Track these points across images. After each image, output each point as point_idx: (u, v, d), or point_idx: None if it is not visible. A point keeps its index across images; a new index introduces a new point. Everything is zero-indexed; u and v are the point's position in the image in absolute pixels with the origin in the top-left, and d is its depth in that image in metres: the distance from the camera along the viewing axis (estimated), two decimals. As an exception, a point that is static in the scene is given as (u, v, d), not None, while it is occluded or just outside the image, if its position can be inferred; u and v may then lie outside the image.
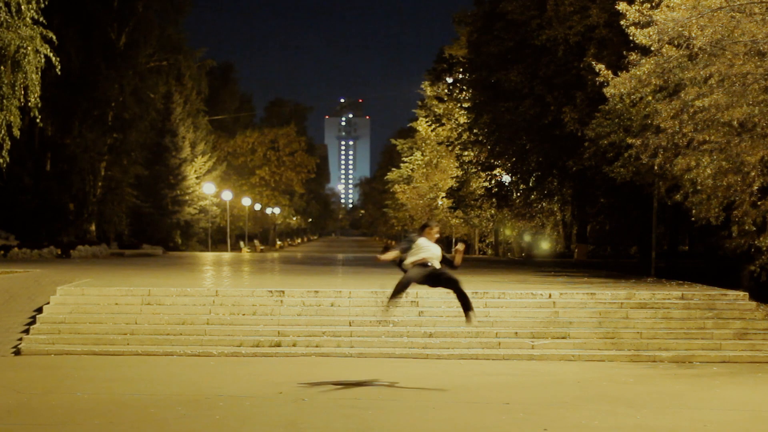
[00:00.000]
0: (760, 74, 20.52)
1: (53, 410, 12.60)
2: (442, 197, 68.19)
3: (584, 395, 14.49)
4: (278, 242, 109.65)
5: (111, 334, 18.60)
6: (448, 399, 13.93)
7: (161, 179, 73.40)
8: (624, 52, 23.26)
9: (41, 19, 24.56)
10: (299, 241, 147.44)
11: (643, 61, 22.50)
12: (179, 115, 74.97)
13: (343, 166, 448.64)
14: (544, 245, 66.46)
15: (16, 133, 23.83)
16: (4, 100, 22.93)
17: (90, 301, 20.05)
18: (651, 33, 21.59)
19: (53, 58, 24.19)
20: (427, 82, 72.00)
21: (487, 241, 76.64)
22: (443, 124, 64.23)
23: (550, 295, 20.90)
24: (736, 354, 18.58)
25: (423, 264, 14.66)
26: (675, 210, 31.85)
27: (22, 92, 23.44)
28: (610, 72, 23.46)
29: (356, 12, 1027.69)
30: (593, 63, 24.92)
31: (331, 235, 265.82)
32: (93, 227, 62.06)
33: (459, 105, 55.40)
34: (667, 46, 21.98)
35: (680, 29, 20.48)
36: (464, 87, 51.58)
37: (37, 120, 24.62)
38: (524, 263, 45.40)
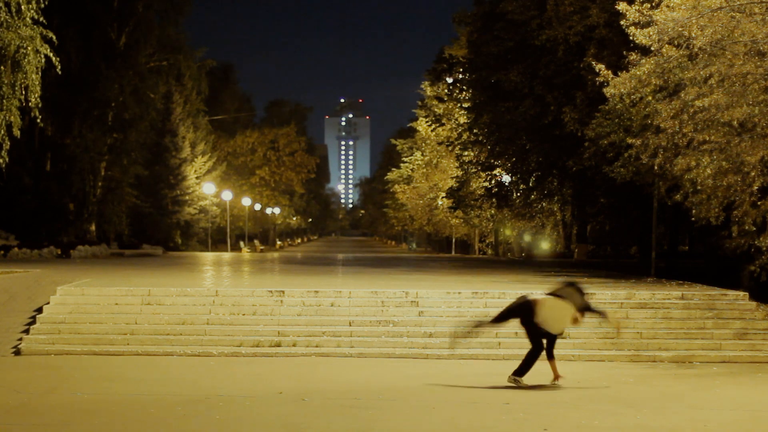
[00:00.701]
0: (760, 74, 20.52)
1: (53, 410, 12.62)
2: (442, 197, 68.16)
3: (584, 395, 14.52)
4: (278, 242, 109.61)
5: (111, 334, 18.61)
6: (448, 399, 13.94)
7: (161, 179, 73.32)
8: (624, 52, 23.27)
9: (41, 19, 24.57)
10: (299, 241, 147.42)
11: (643, 61, 22.50)
12: (179, 115, 74.87)
13: (343, 166, 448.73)
14: (544, 245, 66.34)
15: (17, 133, 23.84)
16: (4, 100, 22.94)
17: (90, 301, 20.05)
18: (651, 33, 21.59)
19: (53, 58, 24.20)
20: (427, 82, 72.00)
21: (487, 241, 76.53)
22: (443, 124, 64.18)
23: (550, 295, 20.86)
24: (736, 354, 18.60)
25: None
26: (675, 210, 31.85)
27: (23, 92, 23.44)
28: (610, 72, 23.47)
29: (356, 12, 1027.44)
30: (593, 63, 24.94)
31: (331, 235, 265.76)
32: (93, 227, 61.95)
33: (459, 105, 55.33)
34: (667, 46, 21.98)
35: (680, 29, 20.49)
36: (464, 87, 51.51)
37: (38, 120, 24.62)
38: (524, 263, 45.38)
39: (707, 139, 21.65)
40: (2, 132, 23.45)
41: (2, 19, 23.27)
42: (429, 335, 18.95)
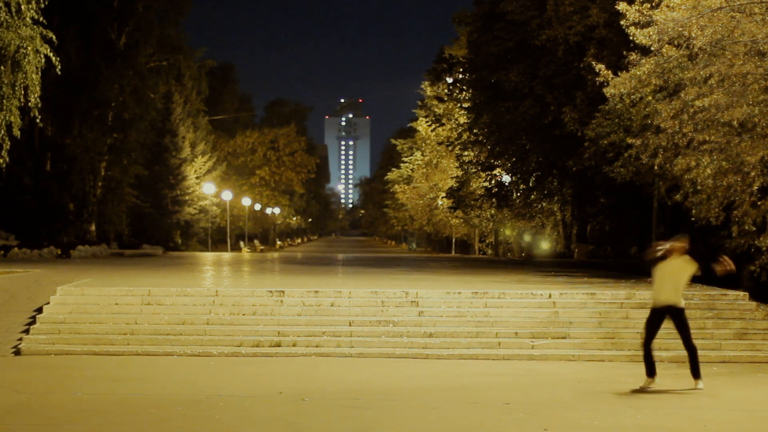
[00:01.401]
0: (760, 74, 20.54)
1: (53, 410, 12.62)
2: (442, 197, 68.14)
3: (584, 395, 14.50)
4: (278, 242, 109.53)
5: (111, 334, 18.60)
6: (448, 399, 13.94)
7: (161, 179, 73.30)
8: (624, 52, 23.29)
9: (41, 19, 24.55)
10: (299, 241, 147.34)
11: (643, 61, 22.52)
12: (179, 115, 74.84)
13: (343, 166, 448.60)
14: (544, 245, 66.26)
15: (17, 133, 23.83)
16: (4, 100, 22.92)
17: (90, 301, 20.04)
18: (651, 33, 21.61)
19: (53, 58, 24.18)
20: (427, 82, 72.01)
21: (487, 241, 76.48)
22: (443, 124, 64.19)
23: (550, 295, 20.88)
24: (736, 354, 18.60)
25: None
26: (675, 210, 31.78)
27: (22, 92, 23.42)
28: (610, 72, 23.48)
29: (357, 12, 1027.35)
30: (593, 63, 24.97)
31: (331, 235, 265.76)
32: (93, 227, 61.89)
33: (459, 105, 55.33)
34: (667, 46, 22.00)
35: (680, 29, 20.51)
36: (464, 87, 51.52)
37: (37, 120, 24.61)
38: (524, 263, 45.36)
39: (707, 139, 21.68)
40: (2, 132, 23.44)
41: (2, 19, 23.27)
42: (429, 335, 18.94)
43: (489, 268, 36.91)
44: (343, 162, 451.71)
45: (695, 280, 25.71)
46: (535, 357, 18.27)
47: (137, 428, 11.71)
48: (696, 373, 15.40)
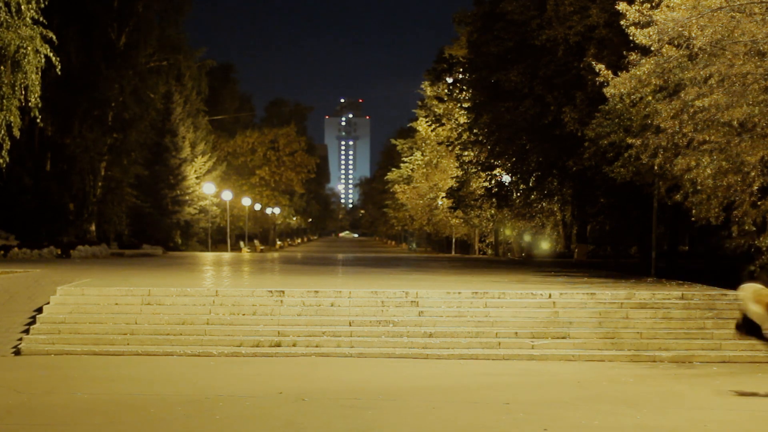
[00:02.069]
0: (760, 74, 20.53)
1: (53, 410, 12.62)
2: (442, 197, 68.10)
3: (584, 395, 14.51)
4: (278, 242, 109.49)
5: (111, 334, 18.59)
6: (448, 399, 13.95)
7: (161, 179, 73.24)
8: (624, 52, 23.25)
9: (41, 18, 24.52)
10: (299, 241, 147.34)
11: (643, 61, 22.49)
12: (179, 115, 74.77)
13: (343, 166, 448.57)
14: (544, 245, 66.21)
15: (16, 133, 23.81)
16: (4, 100, 22.90)
17: (90, 301, 20.03)
18: (651, 33, 21.58)
19: (53, 58, 24.16)
20: (427, 82, 71.99)
21: (487, 241, 76.40)
22: (443, 124, 64.14)
23: (550, 295, 20.88)
24: (736, 354, 18.58)
25: None
26: (675, 210, 31.78)
27: (22, 92, 23.39)
28: (610, 72, 23.46)
29: (357, 12, 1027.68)
30: (593, 63, 24.93)
31: (331, 235, 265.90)
32: (93, 227, 61.83)
33: (459, 105, 55.25)
34: (667, 46, 21.96)
35: (680, 29, 20.49)
36: (464, 87, 51.43)
37: (38, 120, 24.60)
38: (524, 263, 45.38)
39: (707, 139, 21.66)
40: (2, 132, 23.42)
41: (2, 19, 23.25)
42: (429, 335, 18.94)
43: (489, 268, 36.91)
44: (343, 162, 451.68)
45: (695, 280, 25.95)
46: (535, 357, 18.27)
47: (137, 428, 11.73)
48: None
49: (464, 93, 51.37)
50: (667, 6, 20.65)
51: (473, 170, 53.34)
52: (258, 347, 18.27)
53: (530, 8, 36.44)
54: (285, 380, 15.32)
